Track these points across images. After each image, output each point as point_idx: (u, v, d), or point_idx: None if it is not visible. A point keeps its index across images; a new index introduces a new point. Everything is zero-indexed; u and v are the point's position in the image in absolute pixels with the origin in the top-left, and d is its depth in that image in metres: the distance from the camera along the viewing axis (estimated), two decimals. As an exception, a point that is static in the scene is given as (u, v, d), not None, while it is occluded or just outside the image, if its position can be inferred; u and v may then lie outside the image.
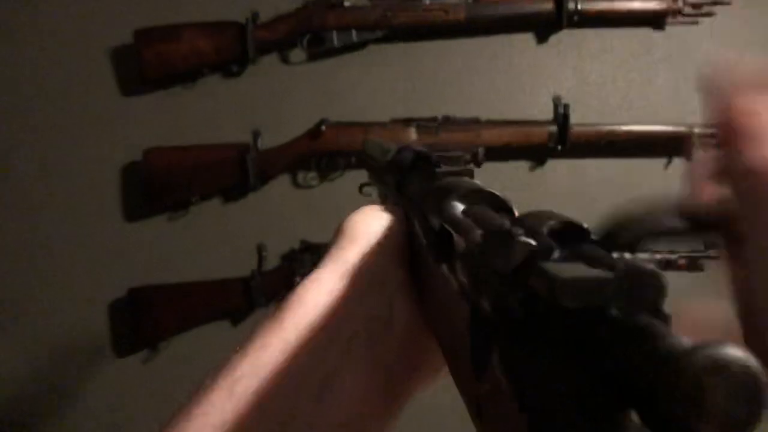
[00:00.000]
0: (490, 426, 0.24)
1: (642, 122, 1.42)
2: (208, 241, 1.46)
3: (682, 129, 1.40)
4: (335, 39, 1.41)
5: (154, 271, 1.45)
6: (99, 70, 1.47)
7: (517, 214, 0.32)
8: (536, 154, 1.44)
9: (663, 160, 1.46)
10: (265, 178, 1.42)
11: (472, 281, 0.24)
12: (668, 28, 1.46)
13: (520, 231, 0.21)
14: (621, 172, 1.46)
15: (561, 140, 1.39)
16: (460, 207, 0.32)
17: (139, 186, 1.44)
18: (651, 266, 0.18)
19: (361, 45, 1.44)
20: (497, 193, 0.32)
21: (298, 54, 1.45)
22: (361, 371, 0.35)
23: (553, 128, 1.39)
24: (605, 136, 1.40)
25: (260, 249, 1.43)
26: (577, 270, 0.18)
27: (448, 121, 1.39)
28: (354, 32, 1.41)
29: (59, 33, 1.45)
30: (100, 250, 1.47)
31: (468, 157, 0.38)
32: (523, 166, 1.46)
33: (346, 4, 1.40)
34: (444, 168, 0.38)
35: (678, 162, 1.45)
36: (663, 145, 1.43)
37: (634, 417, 0.17)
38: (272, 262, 1.43)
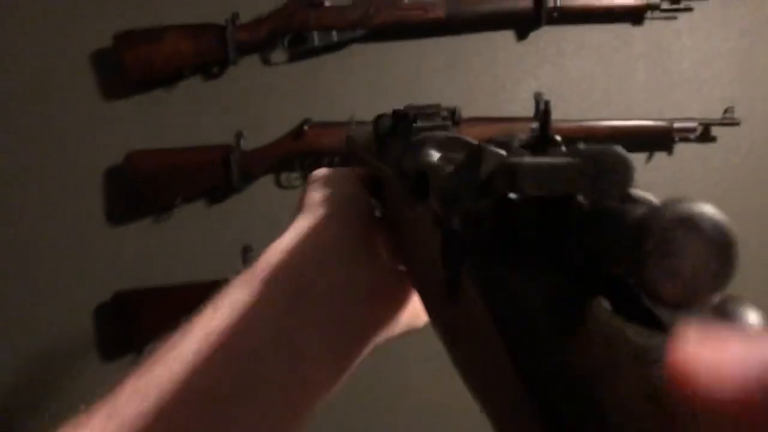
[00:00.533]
0: (465, 352, 0.23)
1: (622, 117, 1.44)
2: (193, 244, 1.46)
3: (661, 123, 1.41)
4: (316, 39, 1.41)
5: (140, 274, 1.44)
6: (80, 74, 1.46)
7: None
8: (518, 150, 1.45)
9: (644, 155, 1.47)
10: (248, 179, 1.42)
11: (443, 203, 0.24)
12: (647, 24, 1.47)
13: (492, 146, 0.21)
14: (603, 167, 1.47)
15: (542, 137, 1.40)
16: (436, 154, 0.32)
17: (123, 189, 1.44)
18: (617, 149, 0.17)
19: (342, 45, 1.44)
20: (473, 140, 0.32)
21: (279, 55, 1.45)
22: (323, 331, 0.38)
23: (535, 124, 1.40)
24: (586, 132, 1.41)
25: (245, 250, 1.43)
26: (539, 159, 0.18)
27: (430, 119, 1.40)
28: (335, 32, 1.41)
29: (40, 36, 1.44)
30: (84, 254, 1.46)
31: (445, 113, 0.39)
32: (505, 162, 1.47)
33: (327, 4, 1.40)
34: (421, 123, 0.38)
35: (659, 156, 1.47)
36: (643, 140, 1.44)
37: (606, 305, 0.16)
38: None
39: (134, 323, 1.41)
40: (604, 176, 0.17)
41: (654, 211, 0.14)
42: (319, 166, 1.43)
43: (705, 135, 1.46)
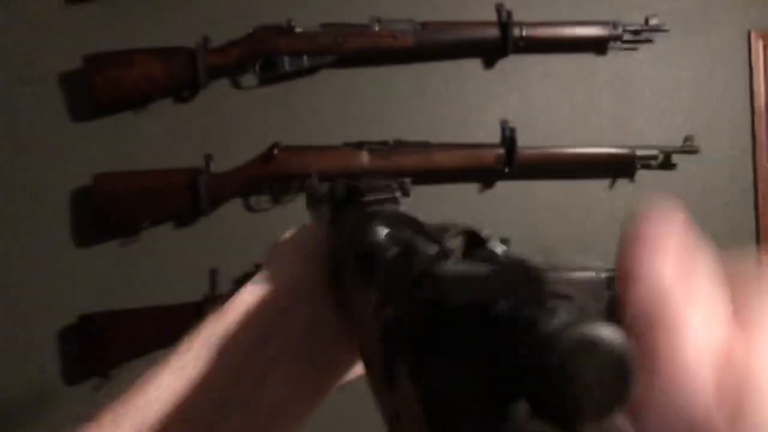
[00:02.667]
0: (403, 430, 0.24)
1: (586, 144, 1.47)
2: (160, 267, 1.45)
3: (624, 151, 1.45)
4: (287, 64, 1.43)
5: (105, 297, 1.43)
6: (49, 95, 1.45)
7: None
8: (485, 176, 1.48)
9: (607, 181, 1.50)
10: (217, 202, 1.42)
11: (382, 297, 0.25)
12: (610, 54, 1.52)
13: (424, 243, 0.22)
14: (567, 193, 1.50)
15: (508, 162, 1.43)
16: (383, 231, 0.33)
17: (90, 211, 1.42)
18: (533, 260, 0.18)
19: (312, 70, 1.46)
20: (416, 216, 0.33)
21: (249, 79, 1.46)
22: (292, 367, 0.40)
23: (501, 151, 1.43)
24: (551, 159, 1.44)
25: (213, 273, 1.43)
26: (462, 268, 0.19)
27: (399, 145, 1.42)
28: (305, 57, 1.43)
29: (8, 56, 1.43)
30: (49, 276, 1.45)
31: (395, 185, 0.40)
32: (472, 188, 1.49)
33: (297, 29, 1.41)
34: (370, 197, 0.39)
35: (621, 183, 1.50)
36: (607, 167, 1.48)
37: (526, 407, 0.17)
38: (225, 286, 1.43)
39: (99, 346, 1.39)
40: (519, 286, 0.18)
41: (556, 333, 0.15)
42: (289, 190, 1.44)
43: (666, 162, 1.50)
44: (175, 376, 0.37)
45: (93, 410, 0.37)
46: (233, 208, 1.46)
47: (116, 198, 1.39)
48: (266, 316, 0.40)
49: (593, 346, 0.15)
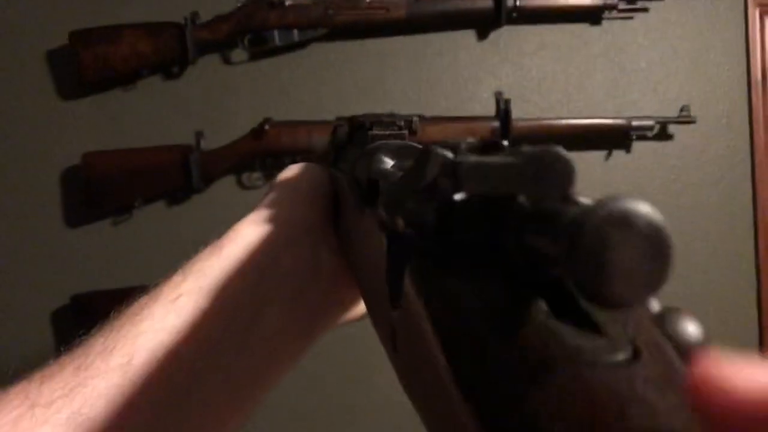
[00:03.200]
0: (405, 354, 0.23)
1: (581, 116, 1.46)
2: (153, 245, 1.44)
3: (620, 122, 1.44)
4: (277, 38, 1.41)
5: (98, 277, 1.42)
6: (35, 73, 1.43)
7: None
8: (480, 149, 1.46)
9: (603, 153, 1.49)
10: (209, 179, 1.41)
11: (390, 209, 0.24)
12: (604, 24, 1.50)
13: (439, 149, 0.21)
14: (563, 165, 1.48)
15: (503, 135, 1.41)
16: (388, 161, 0.32)
17: (80, 191, 1.41)
18: (558, 150, 0.17)
19: (303, 44, 1.44)
20: (425, 147, 0.32)
21: (239, 54, 1.44)
22: (287, 306, 0.39)
23: (496, 123, 1.41)
24: (546, 130, 1.43)
25: (206, 251, 1.41)
26: (483, 159, 0.18)
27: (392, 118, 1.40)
28: (296, 31, 1.41)
29: (-8, 36, 1.41)
30: (41, 257, 1.43)
31: (402, 122, 0.39)
32: (467, 161, 1.48)
33: (287, 2, 1.39)
34: (376, 131, 0.38)
35: (617, 154, 1.49)
36: (602, 138, 1.46)
37: (544, 307, 0.16)
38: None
39: (93, 326, 1.38)
40: (544, 177, 0.17)
41: (588, 209, 0.14)
42: (281, 166, 1.43)
43: (662, 133, 1.49)
44: (167, 308, 0.36)
45: (83, 336, 0.36)
46: (226, 185, 1.44)
47: (107, 177, 1.38)
48: (263, 252, 0.39)
49: (627, 219, 0.14)
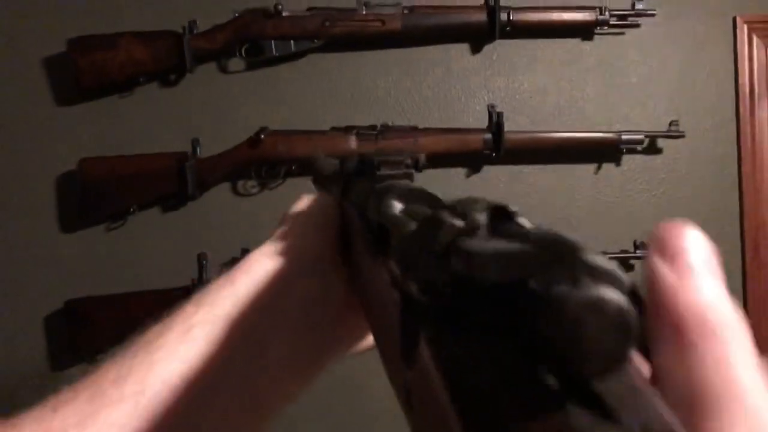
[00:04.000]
0: (420, 414, 0.23)
1: (572, 129, 1.48)
2: (148, 251, 1.45)
3: (610, 135, 1.46)
4: (274, 48, 1.42)
5: (92, 282, 1.42)
6: (32, 79, 1.44)
7: None
8: (472, 161, 1.48)
9: (593, 166, 1.51)
10: (204, 186, 1.42)
11: (402, 268, 0.25)
12: (596, 39, 1.52)
13: (450, 216, 0.22)
14: (553, 177, 1.51)
15: (495, 147, 1.43)
16: (398, 206, 0.32)
17: (75, 196, 1.42)
18: (568, 237, 0.18)
19: (299, 54, 1.45)
20: (433, 193, 0.33)
21: (236, 63, 1.45)
22: (296, 336, 0.40)
23: (488, 136, 1.43)
24: (537, 143, 1.45)
25: (201, 258, 1.43)
26: (495, 244, 0.18)
27: (386, 129, 1.42)
28: (292, 42, 1.42)
29: (-11, 41, 1.42)
30: (35, 261, 1.44)
31: (409, 161, 0.40)
32: (459, 172, 1.50)
33: (285, 13, 1.41)
34: (384, 171, 0.39)
35: (607, 167, 1.51)
36: (593, 151, 1.49)
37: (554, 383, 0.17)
38: (213, 271, 1.43)
39: (86, 332, 1.39)
40: (554, 263, 0.18)
41: (565, 296, 0.16)
42: (276, 175, 1.44)
43: (651, 147, 1.52)
44: (180, 339, 0.37)
45: (95, 364, 0.37)
46: (221, 192, 1.45)
47: (102, 183, 1.39)
48: (274, 284, 0.40)
49: (601, 306, 0.16)
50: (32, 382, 1.43)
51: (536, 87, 1.51)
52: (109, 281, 1.42)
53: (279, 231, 0.46)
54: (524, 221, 0.21)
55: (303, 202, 0.49)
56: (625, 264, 1.48)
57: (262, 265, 0.41)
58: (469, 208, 0.21)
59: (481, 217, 0.21)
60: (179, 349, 0.37)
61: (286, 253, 0.42)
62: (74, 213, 1.43)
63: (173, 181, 1.40)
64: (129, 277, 1.43)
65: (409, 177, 0.39)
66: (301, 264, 0.42)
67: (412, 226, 0.26)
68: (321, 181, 0.60)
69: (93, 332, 1.39)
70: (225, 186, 1.46)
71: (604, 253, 1.45)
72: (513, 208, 0.21)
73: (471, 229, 0.21)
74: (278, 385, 0.40)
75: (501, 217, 0.21)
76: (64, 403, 0.34)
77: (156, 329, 0.38)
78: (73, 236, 1.45)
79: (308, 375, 0.42)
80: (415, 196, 0.33)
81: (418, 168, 0.42)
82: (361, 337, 0.45)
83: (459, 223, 0.21)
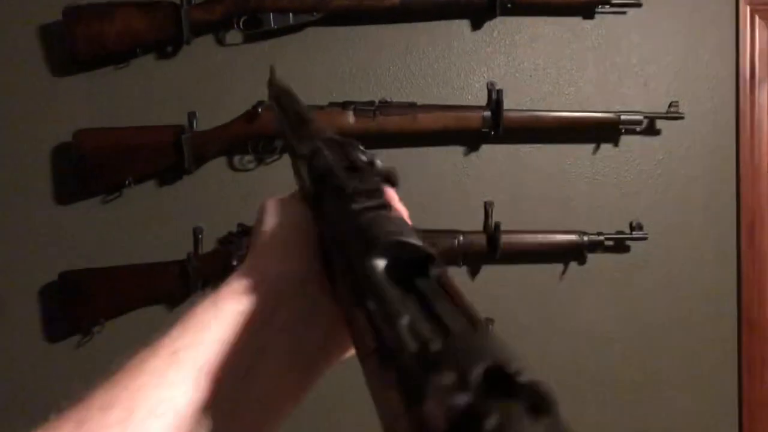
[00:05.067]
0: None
1: (572, 108, 1.47)
2: (143, 225, 1.44)
3: (609, 116, 1.45)
4: (272, 21, 1.41)
5: (87, 254, 1.42)
6: (27, 49, 1.43)
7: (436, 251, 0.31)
8: (470, 139, 1.47)
9: (591, 146, 1.51)
10: (200, 160, 1.41)
11: (406, 400, 0.23)
12: (597, 18, 1.51)
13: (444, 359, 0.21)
14: (551, 157, 1.50)
15: (494, 125, 1.42)
16: (381, 265, 0.30)
17: (71, 168, 1.41)
18: None
19: (298, 27, 1.44)
20: (419, 244, 0.31)
21: (234, 35, 1.44)
22: (284, 355, 0.39)
23: (487, 113, 1.43)
24: (536, 122, 1.44)
25: (196, 232, 1.42)
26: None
27: (385, 105, 1.41)
28: (291, 15, 1.41)
29: (-16, 9, 1.40)
30: (29, 234, 1.43)
31: (382, 182, 0.36)
32: (457, 150, 1.49)
33: (283, -14, 1.39)
34: (358, 204, 0.36)
35: (605, 147, 1.51)
36: (591, 131, 1.48)
37: None
38: (209, 245, 1.43)
39: (81, 304, 1.39)
40: None
41: None
42: (273, 150, 1.43)
43: (650, 128, 1.51)
44: (166, 362, 0.36)
45: (79, 390, 0.36)
46: (217, 166, 1.45)
47: (98, 155, 1.38)
48: (259, 311, 0.39)
49: None
50: (27, 352, 1.43)
51: (536, 65, 1.50)
52: (105, 254, 1.42)
53: (248, 258, 0.44)
54: (525, 380, 0.20)
55: (270, 214, 0.46)
56: (622, 245, 1.48)
57: (232, 306, 0.40)
58: (510, 360, 0.20)
59: (476, 376, 0.20)
60: (166, 374, 0.36)
61: (264, 282, 0.41)
62: (70, 185, 1.43)
63: (169, 155, 1.39)
64: (124, 250, 1.42)
65: (385, 207, 0.37)
66: (285, 288, 0.41)
67: (409, 344, 0.24)
68: (275, 95, 0.59)
69: (87, 304, 1.39)
70: (221, 160, 1.45)
71: (599, 233, 1.45)
72: (513, 366, 0.20)
73: (463, 387, 0.20)
74: (269, 404, 0.39)
75: (498, 375, 0.21)
76: (52, 430, 0.34)
77: (143, 354, 0.37)
78: (68, 208, 1.44)
79: (299, 389, 0.41)
80: (399, 251, 0.31)
81: (393, 184, 0.40)
82: (350, 347, 0.43)
83: (449, 379, 0.21)
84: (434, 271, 0.30)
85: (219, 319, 0.39)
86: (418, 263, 0.30)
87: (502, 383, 0.20)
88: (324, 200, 0.42)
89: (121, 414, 0.34)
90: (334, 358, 0.43)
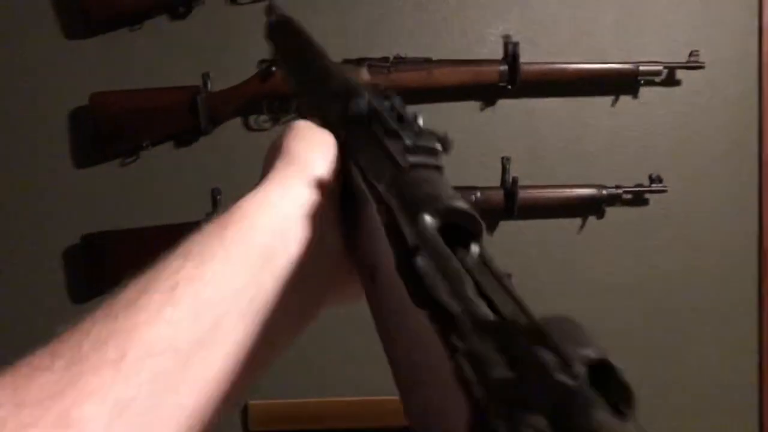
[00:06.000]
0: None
1: (589, 60, 1.44)
2: (161, 186, 1.45)
3: (627, 66, 1.43)
4: (284, -22, 1.39)
5: (108, 217, 1.44)
6: (41, 13, 1.43)
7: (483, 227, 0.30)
8: (486, 93, 1.46)
9: (610, 98, 1.48)
10: (216, 121, 1.41)
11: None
12: (615, -34, 1.47)
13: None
14: (569, 110, 1.48)
15: (511, 79, 1.41)
16: (433, 224, 0.29)
17: (88, 131, 1.42)
18: None
19: (310, -16, 1.42)
20: (476, 215, 0.29)
21: (246, -7, 1.43)
22: (288, 291, 0.38)
23: (504, 67, 1.41)
24: (553, 74, 1.42)
25: (214, 193, 1.43)
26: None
27: (399, 61, 1.39)
28: (303, -29, 1.39)
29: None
30: (50, 197, 1.45)
31: (438, 143, 0.35)
32: (474, 105, 1.47)
33: (294, -58, 1.37)
34: (413, 158, 0.35)
35: (624, 99, 1.48)
36: (610, 83, 1.46)
37: None
38: (227, 205, 1.43)
39: (103, 265, 1.41)
40: None
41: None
42: (288, 109, 1.42)
43: (670, 78, 1.48)
44: (163, 298, 0.34)
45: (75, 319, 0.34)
46: (233, 127, 1.45)
47: (115, 117, 1.39)
48: (268, 240, 0.38)
49: None
50: (53, 315, 1.46)
51: (552, 16, 1.47)
52: (125, 216, 1.44)
53: (274, 172, 0.41)
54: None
55: (299, 139, 0.44)
56: (640, 198, 1.47)
57: (255, 215, 0.38)
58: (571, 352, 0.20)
59: (580, 368, 0.20)
60: (163, 310, 0.33)
61: (281, 205, 0.39)
62: (88, 148, 1.44)
63: (185, 116, 1.40)
64: (144, 212, 1.44)
65: (439, 170, 0.35)
66: (299, 218, 0.39)
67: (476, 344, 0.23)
68: (273, 36, 0.56)
69: (110, 266, 1.41)
70: (237, 121, 1.45)
71: (618, 187, 1.44)
72: (619, 368, 0.21)
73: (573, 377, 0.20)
74: (268, 340, 0.37)
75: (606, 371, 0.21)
76: (40, 369, 0.31)
77: (140, 284, 0.35)
78: (87, 172, 1.46)
79: (296, 327, 0.40)
80: (451, 215, 0.29)
81: (446, 149, 0.37)
82: (350, 290, 0.42)
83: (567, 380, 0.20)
84: (475, 248, 0.28)
85: (224, 244, 0.37)
86: (460, 233, 0.29)
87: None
88: (361, 144, 0.40)
89: (114, 352, 0.32)
90: (333, 298, 0.42)
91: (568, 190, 1.43)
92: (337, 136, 0.44)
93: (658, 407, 1.49)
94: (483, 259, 0.28)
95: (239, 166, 1.44)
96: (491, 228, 1.48)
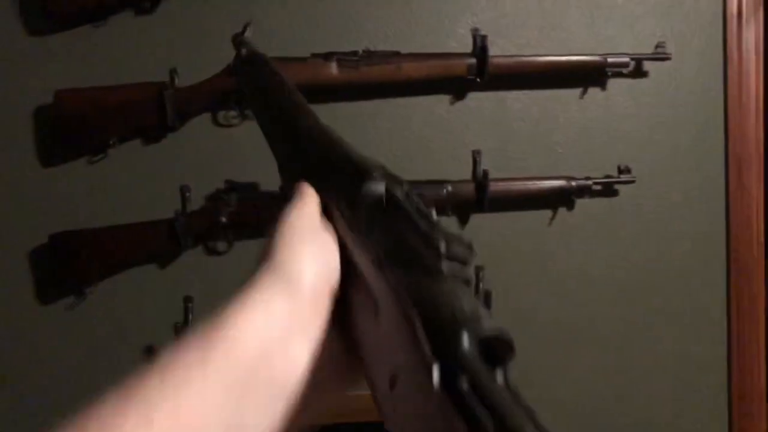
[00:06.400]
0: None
1: (557, 53, 1.45)
2: (129, 184, 1.43)
3: (595, 58, 1.44)
4: (250, -28, 1.38)
5: (75, 216, 1.42)
6: (1, 10, 1.40)
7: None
8: (456, 87, 1.46)
9: (578, 91, 1.49)
10: (184, 117, 1.40)
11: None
12: (582, -42, 1.48)
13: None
14: (538, 103, 1.49)
15: (480, 72, 1.41)
16: (473, 348, 0.28)
17: (54, 130, 1.39)
18: None
19: (278, -22, 1.41)
20: (511, 341, 0.28)
21: (212, -12, 1.41)
22: (271, 413, 0.36)
23: (472, 60, 1.41)
24: (522, 67, 1.43)
25: (183, 190, 1.41)
26: None
27: (369, 55, 1.39)
28: (270, -35, 1.38)
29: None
30: (16, 197, 1.43)
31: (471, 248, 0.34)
32: (443, 99, 1.47)
33: (261, -65, 1.36)
34: (447, 266, 0.33)
35: (592, 91, 1.49)
36: (578, 75, 1.47)
37: None
38: (196, 202, 1.42)
39: (71, 265, 1.39)
40: None
41: None
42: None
43: (637, 70, 1.50)
44: (138, 422, 0.32)
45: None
46: (201, 123, 1.43)
47: (80, 115, 1.37)
48: (262, 345, 0.36)
49: None
50: (19, 316, 1.43)
51: (520, 9, 1.48)
52: (93, 215, 1.41)
53: (276, 265, 0.40)
54: None
55: (304, 235, 0.41)
56: (610, 189, 1.48)
57: (239, 324, 0.36)
58: None
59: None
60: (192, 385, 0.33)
61: (268, 312, 0.38)
62: (53, 146, 1.42)
63: (152, 112, 1.38)
64: (112, 210, 1.42)
65: (468, 283, 0.34)
66: (305, 317, 0.39)
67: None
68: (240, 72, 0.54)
69: (78, 265, 1.39)
70: (206, 117, 1.44)
71: (588, 178, 1.45)
72: None
73: None
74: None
75: None
76: None
77: (114, 402, 0.32)
78: (53, 170, 1.43)
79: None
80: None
81: (472, 259, 0.35)
82: (353, 381, 0.41)
83: None
84: (501, 373, 0.27)
85: (206, 369, 0.34)
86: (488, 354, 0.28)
87: None
88: (378, 236, 0.38)
89: (138, 422, 0.31)
90: (336, 392, 0.41)
91: (538, 183, 1.44)
92: (331, 205, 0.43)
93: (631, 397, 1.50)
94: (507, 385, 0.27)
95: (208, 163, 1.43)
96: (463, 221, 1.48)
